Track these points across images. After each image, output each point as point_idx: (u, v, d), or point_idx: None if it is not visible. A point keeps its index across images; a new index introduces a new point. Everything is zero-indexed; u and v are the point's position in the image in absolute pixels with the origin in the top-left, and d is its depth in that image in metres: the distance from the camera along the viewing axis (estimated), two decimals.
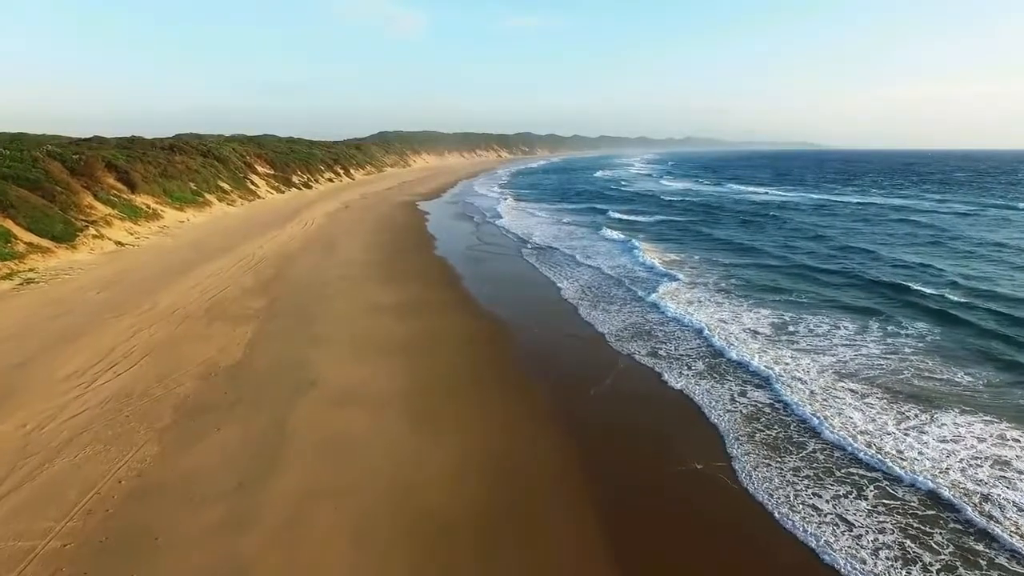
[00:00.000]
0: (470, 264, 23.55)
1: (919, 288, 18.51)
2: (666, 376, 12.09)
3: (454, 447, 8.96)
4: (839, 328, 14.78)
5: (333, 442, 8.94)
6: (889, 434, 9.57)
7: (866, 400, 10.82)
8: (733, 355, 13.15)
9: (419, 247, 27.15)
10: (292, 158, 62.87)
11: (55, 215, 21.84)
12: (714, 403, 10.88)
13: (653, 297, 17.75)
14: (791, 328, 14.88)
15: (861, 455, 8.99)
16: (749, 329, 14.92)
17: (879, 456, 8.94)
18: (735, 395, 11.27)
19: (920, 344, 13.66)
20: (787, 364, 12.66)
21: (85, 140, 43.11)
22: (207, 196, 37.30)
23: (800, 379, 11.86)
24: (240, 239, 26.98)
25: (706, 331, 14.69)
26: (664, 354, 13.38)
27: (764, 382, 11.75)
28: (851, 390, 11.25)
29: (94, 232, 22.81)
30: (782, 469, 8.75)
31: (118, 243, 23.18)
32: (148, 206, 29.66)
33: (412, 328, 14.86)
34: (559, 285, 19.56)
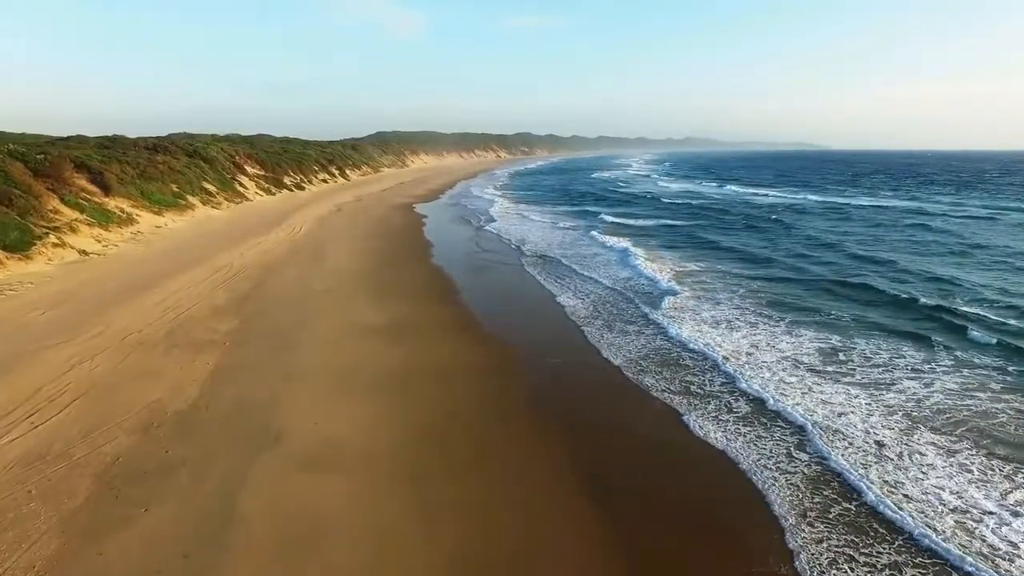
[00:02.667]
0: (469, 275, 21.57)
1: (965, 309, 16.36)
2: (702, 425, 10.03)
3: (456, 536, 6.94)
4: (900, 357, 12.71)
5: (296, 528, 6.92)
6: (1015, 513, 7.57)
7: (958, 458, 8.83)
8: (774, 392, 11.18)
9: (415, 255, 25.17)
10: (285, 158, 60.75)
11: (10, 221, 19.76)
12: (764, 464, 8.86)
13: (668, 317, 15.73)
14: (842, 356, 12.84)
15: (979, 550, 6.98)
16: (789, 358, 12.93)
17: (1009, 554, 6.93)
18: (791, 450, 9.27)
19: (1007, 379, 11.61)
20: (842, 404, 10.68)
21: (63, 139, 41.02)
22: (190, 199, 35.21)
23: (863, 426, 9.88)
24: (220, 246, 24.92)
25: (739, 360, 12.72)
26: (697, 391, 11.38)
27: (821, 431, 9.73)
28: (933, 444, 9.28)
29: (55, 240, 20.72)
30: (873, 568, 6.76)
31: (82, 252, 21.11)
32: (122, 210, 27.56)
33: (404, 356, 12.84)
34: (564, 302, 17.51)
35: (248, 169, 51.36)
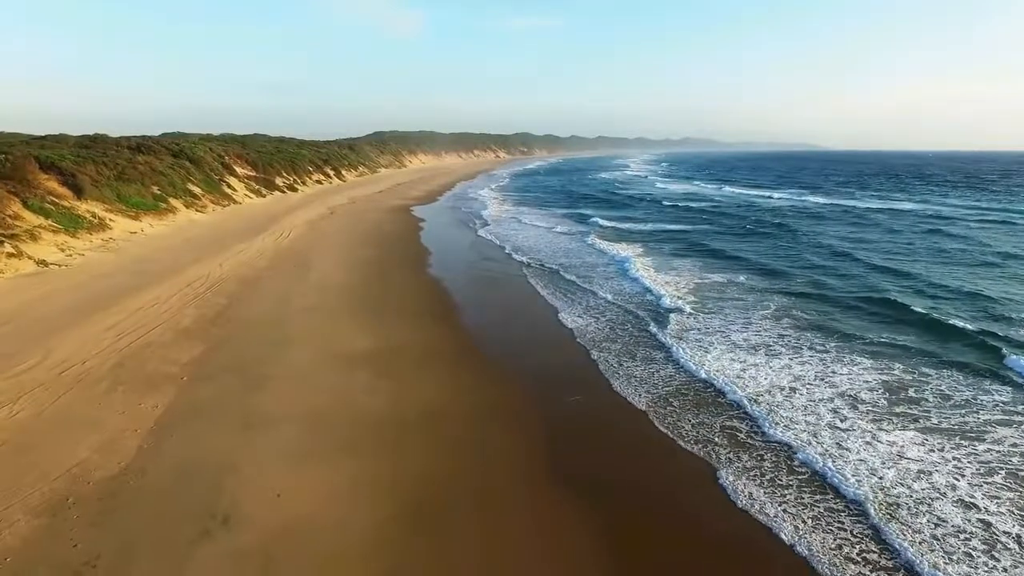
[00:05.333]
0: (468, 288, 19.64)
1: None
2: (756, 497, 8.09)
3: None
4: (985, 393, 10.70)
5: None
6: None
7: None
8: (831, 443, 9.28)
9: (410, 264, 23.22)
10: (278, 158, 58.72)
11: None
12: (844, 554, 6.94)
13: (692, 342, 13.82)
14: (912, 393, 10.86)
15: None
16: (845, 395, 11.01)
17: None
18: (877, 532, 7.36)
19: None
20: (921, 459, 8.81)
21: (40, 137, 39.01)
22: (172, 202, 33.18)
23: (955, 492, 8.00)
24: (199, 255, 22.94)
25: (784, 397, 10.81)
26: (744, 439, 9.47)
27: (899, 504, 7.83)
28: None
29: (10, 249, 18.70)
30: None
31: (40, 262, 19.09)
32: (94, 214, 25.53)
33: (394, 394, 10.89)
34: (573, 323, 15.46)
35: (238, 170, 49.35)
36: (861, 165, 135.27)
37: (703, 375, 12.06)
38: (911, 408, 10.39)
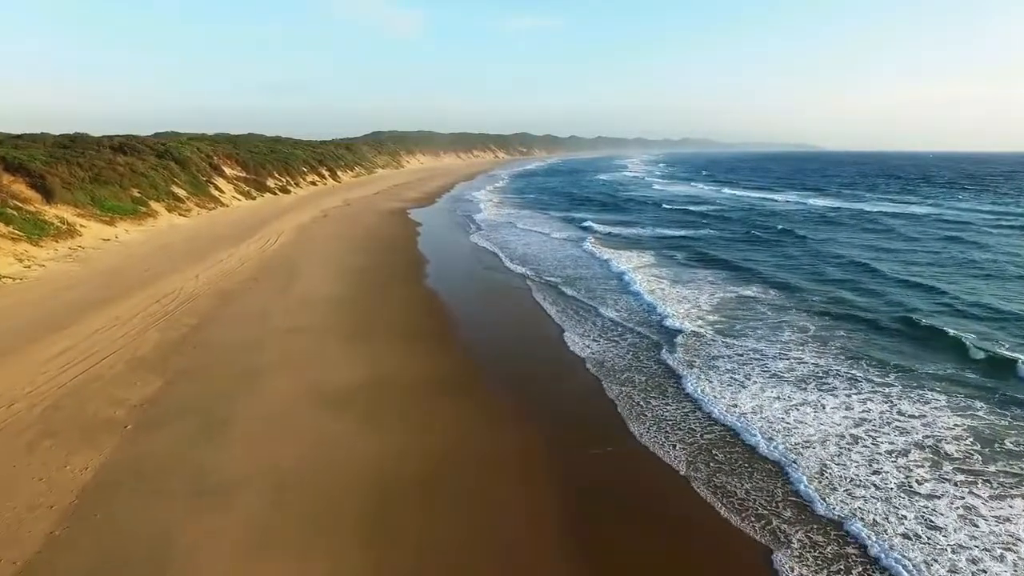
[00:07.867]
0: (467, 303, 17.85)
1: None
2: None
3: None
4: None
5: None
6: None
7: None
8: (914, 522, 7.49)
9: (406, 274, 21.40)
10: (271, 159, 56.74)
11: None
12: None
13: (719, 375, 11.98)
14: (1009, 445, 8.95)
15: None
16: (923, 445, 9.19)
17: None
18: None
19: None
20: None
21: (15, 137, 37.00)
22: (153, 205, 31.24)
23: None
24: (175, 264, 21.05)
25: (851, 447, 8.99)
26: (808, 511, 7.67)
27: None
28: None
29: None
30: None
31: None
32: (63, 220, 23.60)
33: (382, 449, 9.00)
34: (582, 350, 13.41)
35: (227, 171, 47.40)
36: (862, 166, 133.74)
37: (740, 419, 10.21)
38: (1012, 465, 8.57)
